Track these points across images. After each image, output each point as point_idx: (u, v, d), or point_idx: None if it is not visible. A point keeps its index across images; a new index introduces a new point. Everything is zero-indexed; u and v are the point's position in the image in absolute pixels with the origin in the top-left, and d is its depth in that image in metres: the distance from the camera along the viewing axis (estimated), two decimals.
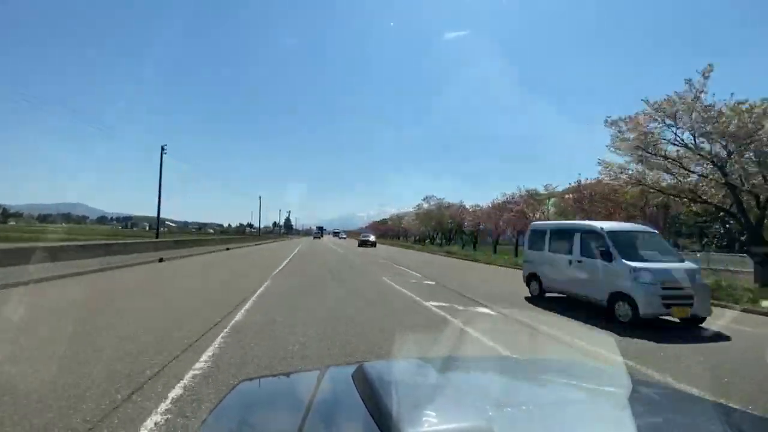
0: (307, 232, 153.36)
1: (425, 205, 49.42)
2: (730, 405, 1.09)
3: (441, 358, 1.76)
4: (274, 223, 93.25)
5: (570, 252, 7.55)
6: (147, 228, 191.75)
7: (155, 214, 28.94)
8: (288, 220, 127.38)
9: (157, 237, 26.92)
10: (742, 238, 16.82)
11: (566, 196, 21.68)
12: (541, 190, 26.07)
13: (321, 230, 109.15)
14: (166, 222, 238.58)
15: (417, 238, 59.53)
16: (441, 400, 0.93)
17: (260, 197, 77.43)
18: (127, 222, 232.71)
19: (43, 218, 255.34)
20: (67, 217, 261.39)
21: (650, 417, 0.94)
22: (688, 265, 6.71)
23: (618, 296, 6.32)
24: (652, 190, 14.36)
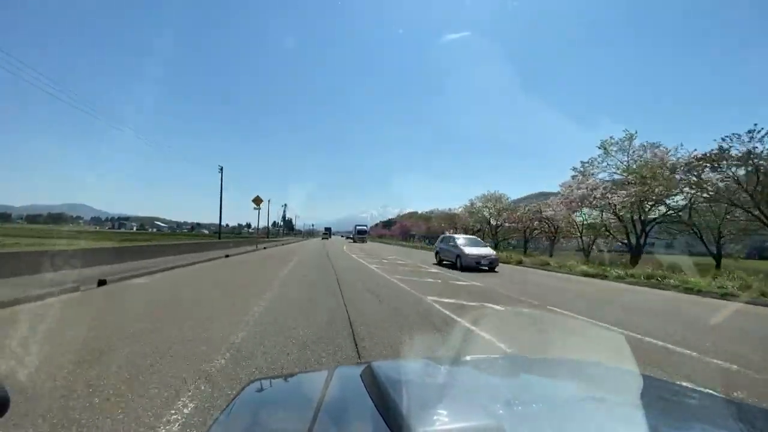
0: (309, 233, 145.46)
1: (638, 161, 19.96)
2: (746, 402, 1.08)
3: (449, 358, 1.77)
4: (274, 222, 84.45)
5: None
6: (134, 229, 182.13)
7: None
8: (289, 220, 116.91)
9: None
10: None
11: None
12: None
13: (329, 231, 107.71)
14: (156, 222, 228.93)
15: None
16: (450, 399, 0.91)
17: (221, 168, 38.30)
18: (114, 222, 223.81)
19: (33, 219, 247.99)
20: (58, 218, 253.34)
21: (663, 416, 0.93)
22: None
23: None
24: None
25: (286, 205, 71.79)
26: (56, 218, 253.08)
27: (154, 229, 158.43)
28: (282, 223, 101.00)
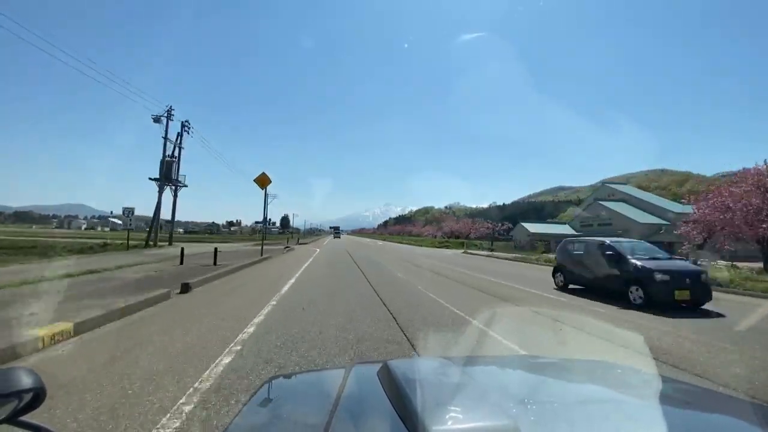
0: (309, 232, 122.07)
1: None
2: (764, 403, 1.07)
3: (465, 357, 1.70)
4: (266, 218, 56.09)
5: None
6: (83, 227, 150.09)
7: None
8: (285, 217, 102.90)
9: None
10: None
11: None
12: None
13: (338, 230, 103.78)
14: (110, 219, 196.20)
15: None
16: (466, 398, 0.90)
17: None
18: (63, 221, 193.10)
19: None
20: (23, 216, 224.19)
21: (680, 416, 0.91)
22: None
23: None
24: None
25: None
26: (22, 217, 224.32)
27: (108, 228, 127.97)
28: (280, 222, 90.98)
